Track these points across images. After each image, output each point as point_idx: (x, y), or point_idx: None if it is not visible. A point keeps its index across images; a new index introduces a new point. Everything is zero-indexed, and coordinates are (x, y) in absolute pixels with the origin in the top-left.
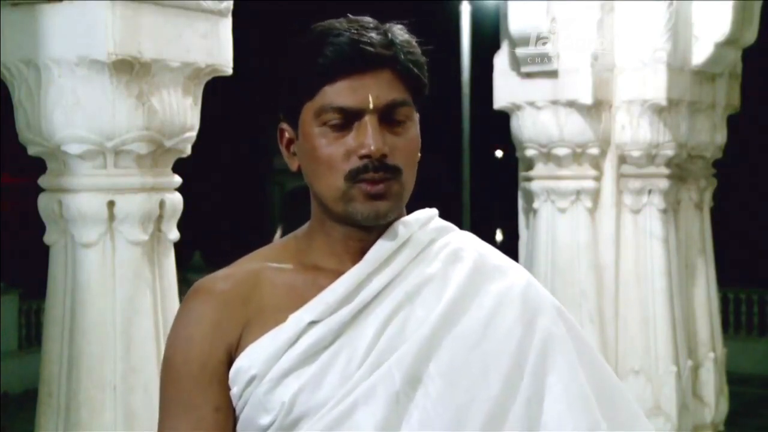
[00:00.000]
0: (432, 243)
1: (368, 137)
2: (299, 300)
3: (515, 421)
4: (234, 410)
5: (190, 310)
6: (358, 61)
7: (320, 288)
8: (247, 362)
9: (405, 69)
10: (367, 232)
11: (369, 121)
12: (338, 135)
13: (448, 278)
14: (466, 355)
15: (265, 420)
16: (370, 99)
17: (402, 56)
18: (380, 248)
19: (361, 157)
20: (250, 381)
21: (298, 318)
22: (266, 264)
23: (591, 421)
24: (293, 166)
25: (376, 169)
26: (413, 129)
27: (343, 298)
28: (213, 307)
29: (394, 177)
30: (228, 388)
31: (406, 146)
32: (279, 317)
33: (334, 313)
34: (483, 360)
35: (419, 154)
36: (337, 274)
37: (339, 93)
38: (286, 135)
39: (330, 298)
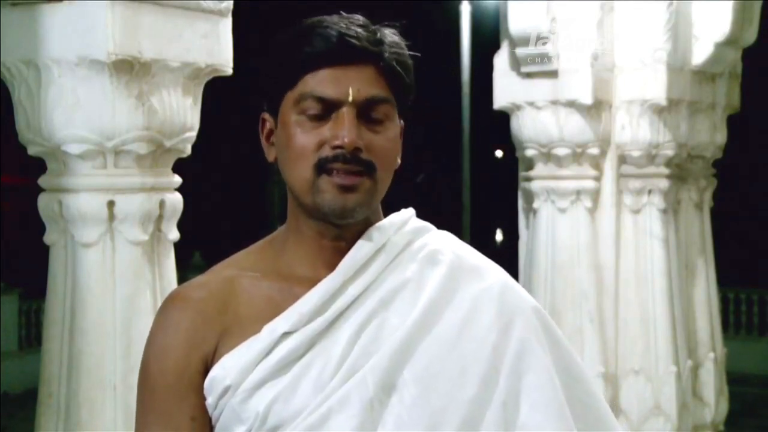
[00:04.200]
0: (408, 245)
1: (343, 128)
2: (275, 309)
3: (491, 423)
4: (210, 420)
5: (166, 319)
6: (342, 52)
7: (295, 297)
8: (221, 372)
9: (389, 67)
10: (340, 229)
11: (346, 113)
12: (315, 125)
13: (424, 282)
14: (442, 359)
15: (240, 430)
16: (350, 91)
17: (387, 54)
18: (355, 255)
19: (334, 148)
20: (225, 391)
21: (271, 328)
22: (242, 272)
23: (565, 425)
24: (270, 156)
25: (347, 161)
26: (393, 130)
27: (317, 308)
28: (189, 316)
29: (368, 173)
30: (204, 397)
31: (383, 145)
32: (255, 327)
33: (308, 323)
34: (459, 363)
35: (399, 161)
36: (312, 282)
37: (320, 82)
38: (267, 125)
39: (304, 308)
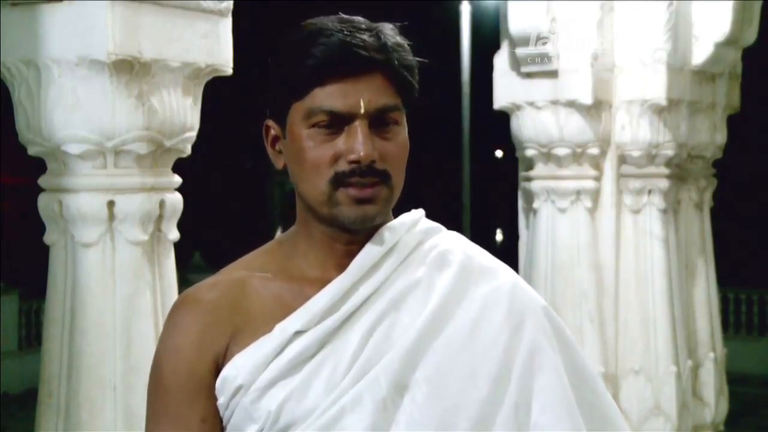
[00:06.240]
0: (419, 246)
1: (358, 142)
2: (285, 309)
3: (503, 424)
4: (221, 420)
5: (177, 321)
6: (349, 64)
7: (306, 297)
8: (233, 372)
9: (397, 73)
10: (352, 234)
11: (359, 126)
12: (327, 138)
13: (435, 282)
14: (453, 358)
15: (252, 429)
16: (362, 104)
17: (394, 60)
18: (366, 256)
19: (350, 162)
20: (237, 390)
21: (283, 327)
22: (252, 273)
23: (574, 424)
24: (278, 164)
25: (364, 174)
26: (402, 133)
27: (329, 307)
28: (199, 317)
29: (383, 181)
30: (215, 398)
31: (395, 151)
32: (266, 327)
33: (319, 322)
34: (470, 364)
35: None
36: (323, 282)
37: (329, 96)
38: (272, 132)
39: (315, 307)
